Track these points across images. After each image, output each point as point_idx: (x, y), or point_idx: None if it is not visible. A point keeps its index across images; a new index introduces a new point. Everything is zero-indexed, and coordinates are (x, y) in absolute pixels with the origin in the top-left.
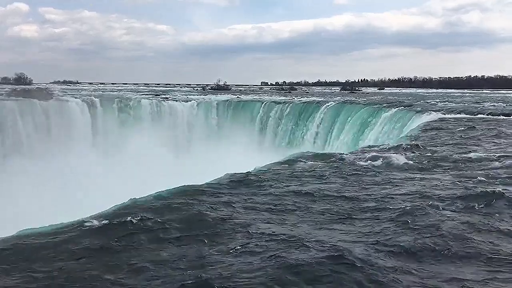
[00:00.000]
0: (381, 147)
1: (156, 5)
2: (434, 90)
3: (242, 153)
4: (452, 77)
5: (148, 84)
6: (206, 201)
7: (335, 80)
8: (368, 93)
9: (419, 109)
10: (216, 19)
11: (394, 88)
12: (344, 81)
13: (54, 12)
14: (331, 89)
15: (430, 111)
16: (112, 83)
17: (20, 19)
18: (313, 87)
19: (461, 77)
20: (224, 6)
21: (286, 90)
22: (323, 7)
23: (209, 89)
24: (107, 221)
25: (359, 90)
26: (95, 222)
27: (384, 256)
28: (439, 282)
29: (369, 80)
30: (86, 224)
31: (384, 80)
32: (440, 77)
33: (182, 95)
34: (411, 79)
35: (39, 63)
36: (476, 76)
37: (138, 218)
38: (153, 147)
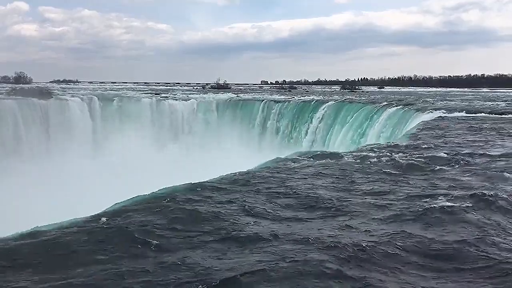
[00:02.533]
0: (379, 146)
1: (156, 4)
2: (434, 89)
3: (242, 152)
4: (452, 75)
5: (148, 83)
6: (200, 201)
7: (335, 79)
8: (368, 92)
9: (419, 107)
10: (216, 18)
11: (394, 87)
12: (344, 80)
13: (54, 11)
14: (331, 88)
15: (430, 109)
16: (112, 82)
17: (20, 18)
18: (313, 86)
19: (461, 75)
20: (224, 5)
21: (286, 89)
22: (322, 6)
23: (209, 88)
24: (105, 219)
25: (359, 89)
26: (93, 221)
27: (377, 256)
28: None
29: (369, 79)
30: (85, 223)
31: (384, 79)
32: (440, 76)
33: (182, 94)
34: (411, 78)
35: (39, 62)
36: (476, 74)
37: (136, 218)
38: (153, 146)
